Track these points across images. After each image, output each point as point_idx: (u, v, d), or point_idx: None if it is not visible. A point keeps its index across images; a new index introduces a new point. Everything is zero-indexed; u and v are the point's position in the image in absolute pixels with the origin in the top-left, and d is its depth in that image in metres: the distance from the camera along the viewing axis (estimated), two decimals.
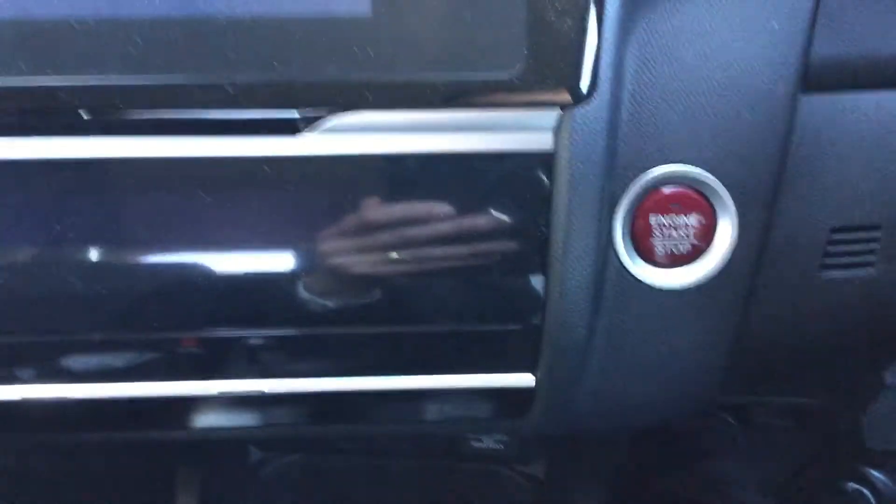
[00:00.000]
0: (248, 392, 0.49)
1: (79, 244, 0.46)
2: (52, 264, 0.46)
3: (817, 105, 0.49)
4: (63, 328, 0.48)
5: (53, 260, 0.46)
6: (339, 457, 0.95)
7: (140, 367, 0.49)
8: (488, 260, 0.46)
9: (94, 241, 0.46)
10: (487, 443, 0.87)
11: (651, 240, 0.48)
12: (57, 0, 0.41)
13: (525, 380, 0.49)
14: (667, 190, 0.47)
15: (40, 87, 0.42)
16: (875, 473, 0.82)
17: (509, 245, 0.46)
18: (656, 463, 0.97)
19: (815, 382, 0.70)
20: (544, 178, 0.45)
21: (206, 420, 0.53)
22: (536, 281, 0.47)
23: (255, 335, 0.49)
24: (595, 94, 0.44)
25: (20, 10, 0.41)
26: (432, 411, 0.52)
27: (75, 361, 0.49)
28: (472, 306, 0.48)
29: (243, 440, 0.85)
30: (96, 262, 0.46)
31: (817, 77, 0.48)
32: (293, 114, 0.44)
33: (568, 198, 0.45)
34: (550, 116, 0.44)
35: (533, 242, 0.46)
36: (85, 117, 0.43)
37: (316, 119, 0.43)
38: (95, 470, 0.86)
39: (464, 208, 0.45)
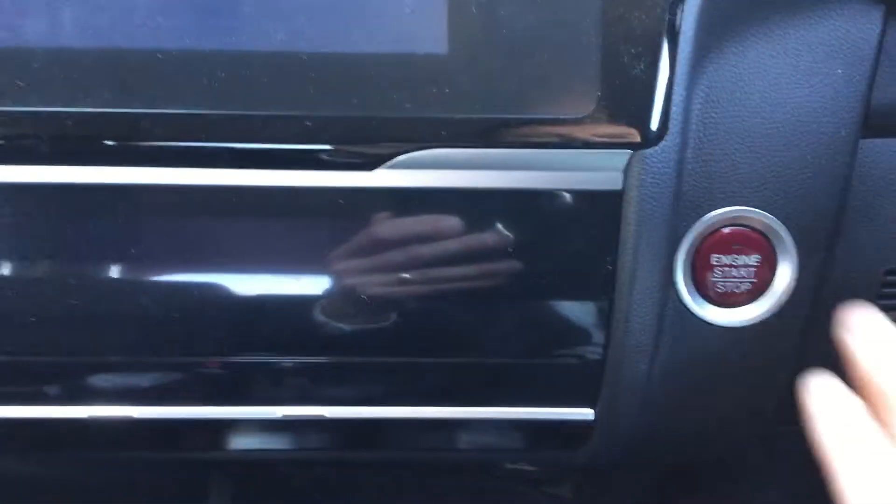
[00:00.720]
0: (307, 416, 0.50)
1: (135, 270, 0.46)
2: (96, 287, 0.47)
3: (876, 149, 0.50)
4: (95, 351, 0.49)
5: (96, 283, 0.47)
6: (365, 471, 0.95)
7: (177, 391, 0.50)
8: (555, 294, 0.47)
9: (152, 268, 0.46)
10: (520, 463, 0.88)
11: (711, 278, 0.49)
12: (142, 32, 0.42)
13: (584, 413, 0.50)
14: (728, 230, 0.48)
15: (126, 114, 0.43)
16: None
17: (576, 280, 0.47)
18: (684, 486, 0.98)
19: None
20: (612, 216, 0.46)
21: (252, 443, 0.54)
22: (601, 317, 0.48)
23: (309, 362, 0.49)
24: (665, 136, 0.45)
25: (108, 41, 0.42)
26: (491, 441, 0.53)
27: (108, 383, 0.50)
28: (537, 340, 0.48)
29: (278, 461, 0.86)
30: (139, 286, 0.47)
31: (878, 122, 0.49)
32: (370, 148, 0.44)
33: (636, 236, 0.46)
34: (621, 156, 0.45)
35: (599, 279, 0.47)
36: (166, 146, 0.44)
37: (392, 154, 0.44)
38: (128, 479, 0.87)
39: (534, 245, 0.46)
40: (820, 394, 0.41)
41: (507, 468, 0.88)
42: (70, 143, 0.44)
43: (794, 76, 0.47)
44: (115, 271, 0.47)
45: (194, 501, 0.88)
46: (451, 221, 0.46)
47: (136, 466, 0.83)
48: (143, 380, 0.50)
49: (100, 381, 0.49)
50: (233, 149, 0.44)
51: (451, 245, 0.46)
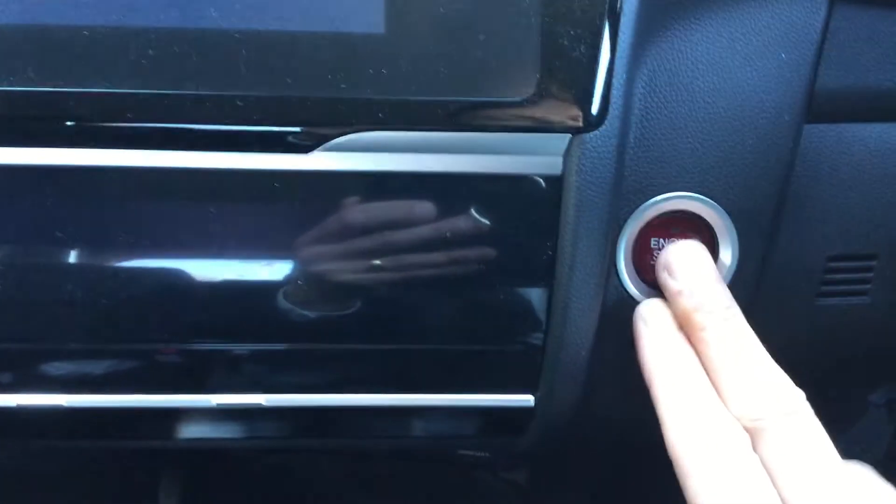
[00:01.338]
0: (244, 405, 0.49)
1: (78, 254, 0.45)
2: (48, 273, 0.45)
3: (820, 135, 0.50)
4: (53, 337, 0.47)
5: (49, 269, 0.45)
6: (319, 459, 0.95)
7: (130, 378, 0.48)
8: (494, 281, 0.47)
9: (95, 252, 0.45)
10: (473, 450, 0.88)
11: (652, 263, 0.48)
12: (69, 8, 0.41)
13: (524, 399, 0.50)
14: (669, 215, 0.48)
15: (47, 92, 0.41)
16: None
17: (514, 266, 0.46)
18: (639, 470, 0.98)
19: None
20: (551, 201, 0.45)
21: (198, 431, 0.53)
22: (540, 302, 0.47)
23: (251, 349, 0.48)
24: (605, 120, 0.44)
25: (32, 16, 0.41)
26: (429, 428, 0.52)
27: (65, 370, 0.48)
28: (475, 326, 0.48)
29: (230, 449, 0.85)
30: (93, 271, 0.45)
31: (821, 107, 0.49)
32: (304, 130, 0.43)
33: (575, 222, 0.45)
34: (560, 140, 0.44)
35: (538, 265, 0.46)
36: (94, 126, 0.42)
37: (328, 137, 0.43)
38: (77, 470, 0.86)
39: (471, 229, 0.45)
40: (647, 316, 0.46)
41: (461, 454, 0.88)
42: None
43: (737, 60, 0.47)
44: (49, 256, 0.45)
45: (143, 492, 0.87)
46: (388, 207, 0.45)
47: (79, 457, 0.82)
48: (84, 367, 0.48)
49: (38, 368, 0.48)
50: (163, 129, 0.43)
51: (388, 231, 0.45)
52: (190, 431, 0.53)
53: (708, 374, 0.44)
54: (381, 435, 0.53)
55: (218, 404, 0.49)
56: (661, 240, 0.48)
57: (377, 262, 0.46)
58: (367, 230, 0.45)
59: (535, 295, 0.47)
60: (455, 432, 0.53)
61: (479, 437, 0.53)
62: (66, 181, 0.44)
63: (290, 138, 0.43)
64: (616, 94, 0.44)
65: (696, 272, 0.46)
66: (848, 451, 0.80)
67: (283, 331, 0.47)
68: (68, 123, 0.42)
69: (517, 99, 0.43)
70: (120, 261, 0.45)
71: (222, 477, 0.92)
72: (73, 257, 0.45)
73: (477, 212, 0.45)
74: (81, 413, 0.48)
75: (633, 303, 0.48)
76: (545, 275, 0.46)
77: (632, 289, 0.48)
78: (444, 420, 0.52)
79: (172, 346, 0.48)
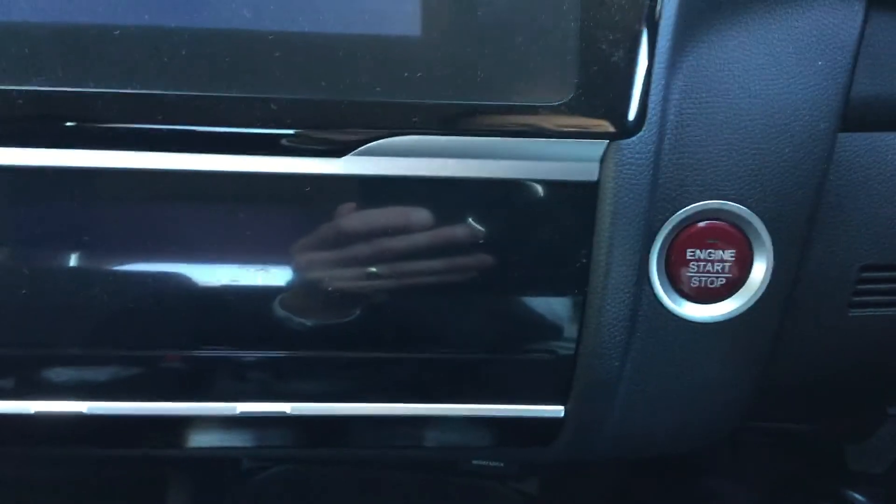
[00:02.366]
0: (268, 413, 0.48)
1: (104, 260, 0.44)
2: (48, 277, 0.45)
3: (854, 143, 0.49)
4: (75, 344, 0.46)
5: (48, 273, 0.44)
6: (331, 468, 0.94)
7: (140, 386, 0.48)
8: (528, 288, 0.46)
9: (122, 258, 0.44)
10: (495, 460, 0.87)
11: (686, 273, 0.48)
12: (102, 7, 0.40)
13: (554, 410, 0.49)
14: (704, 224, 0.47)
15: (80, 93, 0.40)
16: (854, 495, 0.84)
17: (548, 273, 0.46)
18: (648, 480, 0.98)
19: (818, 410, 0.71)
20: (587, 208, 0.44)
21: (215, 440, 0.52)
22: (573, 310, 0.46)
23: (277, 356, 0.47)
24: (643, 127, 0.43)
25: (63, 16, 0.40)
26: (457, 438, 0.52)
27: (86, 377, 0.47)
28: (508, 335, 0.47)
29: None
30: (119, 277, 0.45)
31: (856, 116, 0.48)
32: (338, 134, 0.42)
33: (610, 229, 0.44)
34: (597, 147, 0.44)
35: (572, 272, 0.46)
36: (125, 128, 0.41)
37: (362, 141, 0.42)
38: (85, 476, 0.84)
39: (507, 236, 0.45)
40: None
41: (475, 464, 0.87)
42: (21, 123, 0.41)
43: (773, 68, 0.46)
44: (67, 260, 0.44)
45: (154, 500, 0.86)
46: (422, 213, 0.44)
47: (90, 464, 0.81)
48: (97, 374, 0.47)
49: (52, 375, 0.47)
50: (193, 132, 0.42)
51: (421, 237, 0.44)
52: (207, 440, 0.52)
53: None
54: (406, 445, 0.52)
55: (242, 412, 0.48)
56: (698, 250, 0.47)
57: (411, 267, 0.45)
58: (397, 236, 0.45)
59: (569, 303, 0.46)
60: (482, 442, 0.52)
61: (507, 447, 0.52)
62: (87, 184, 0.43)
63: (323, 142, 0.42)
64: (653, 100, 0.44)
65: None
66: (856, 460, 0.80)
67: (308, 338, 0.46)
68: (100, 125, 0.41)
69: (554, 104, 0.42)
70: (148, 266, 0.44)
71: (230, 485, 0.91)
72: (98, 263, 0.44)
73: (512, 218, 0.45)
74: (102, 420, 0.47)
75: (667, 313, 0.48)
76: (579, 282, 0.46)
77: (665, 299, 0.48)
78: (473, 430, 0.51)
79: (199, 352, 0.47)
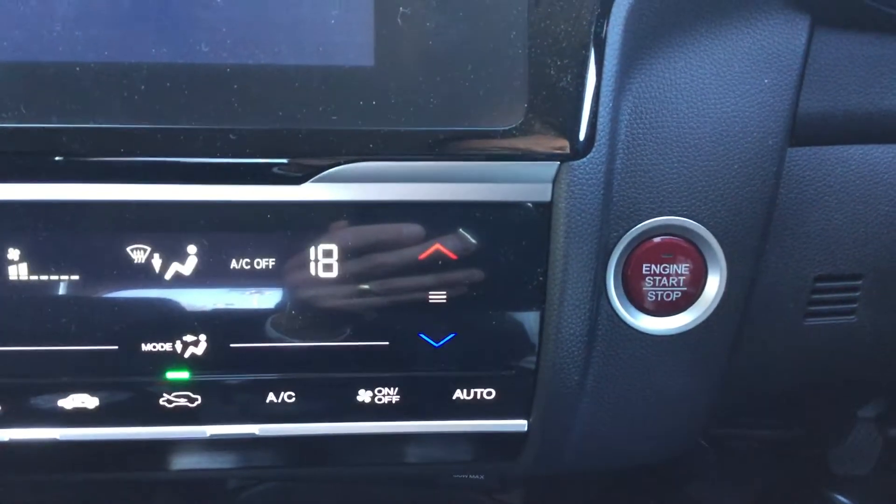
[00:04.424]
0: (237, 435, 0.49)
1: (73, 288, 0.45)
2: (46, 306, 0.46)
3: (803, 158, 0.51)
4: (48, 371, 0.47)
5: (44, 302, 0.45)
6: (315, 485, 0.94)
7: (123, 411, 0.48)
8: (486, 307, 0.47)
9: (91, 285, 0.45)
10: (468, 474, 0.88)
11: (642, 287, 0.49)
12: (62, 45, 0.41)
13: (518, 425, 0.50)
14: (658, 239, 0.48)
15: (42, 129, 0.42)
16: (839, 497, 0.85)
17: (506, 292, 0.47)
18: (633, 488, 0.99)
19: (788, 417, 0.72)
20: (541, 227, 0.46)
21: (192, 462, 0.53)
22: (532, 327, 0.48)
23: (244, 379, 0.48)
24: (593, 147, 0.45)
25: (24, 54, 0.41)
26: (425, 454, 0.53)
27: (59, 404, 0.48)
28: (468, 352, 0.48)
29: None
30: (89, 305, 0.46)
31: (805, 131, 0.50)
32: (296, 162, 0.44)
33: (565, 247, 0.46)
34: (549, 168, 0.45)
35: (529, 290, 0.47)
36: (87, 161, 0.43)
37: (320, 168, 0.44)
38: (72, 497, 0.85)
39: (462, 256, 0.46)
40: None
41: (456, 478, 0.88)
42: None
43: (721, 86, 0.48)
44: (40, 289, 0.45)
45: None
46: (379, 235, 0.45)
47: (69, 489, 0.81)
48: (70, 402, 0.48)
49: (32, 402, 0.48)
50: (155, 163, 0.43)
51: (379, 259, 0.46)
52: (184, 462, 0.53)
53: None
54: (377, 462, 0.54)
55: (212, 435, 0.49)
56: (654, 265, 0.48)
57: (369, 288, 0.46)
58: (357, 259, 0.46)
59: (527, 320, 0.48)
60: (451, 458, 0.53)
61: (475, 462, 0.53)
62: (59, 215, 0.44)
63: (282, 170, 0.44)
64: (602, 121, 0.45)
65: None
66: (838, 464, 0.81)
67: (275, 361, 0.47)
68: (60, 159, 0.42)
69: (506, 128, 0.44)
70: (114, 294, 0.45)
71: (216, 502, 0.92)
72: (67, 291, 0.45)
73: (468, 239, 0.46)
74: (76, 447, 0.48)
75: (625, 326, 0.49)
76: (536, 300, 0.47)
77: (623, 313, 0.49)
78: (441, 446, 0.52)
79: (165, 378, 0.48)
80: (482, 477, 0.86)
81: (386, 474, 0.63)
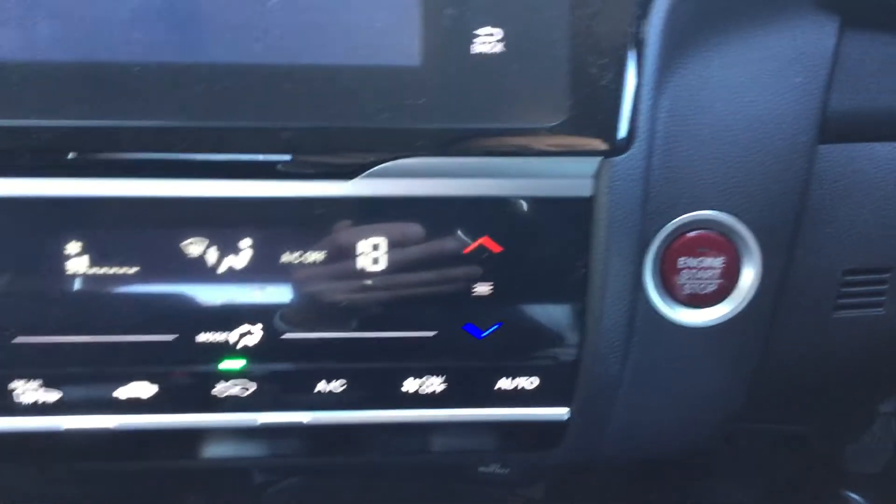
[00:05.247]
0: (286, 423, 0.51)
1: (135, 281, 0.47)
2: (73, 298, 0.47)
3: (833, 154, 0.52)
4: (105, 360, 0.49)
5: (71, 295, 0.47)
6: (340, 479, 0.96)
7: (154, 400, 0.50)
8: (532, 300, 0.48)
9: (154, 278, 0.47)
10: (492, 467, 0.89)
11: (679, 281, 0.50)
12: (123, 46, 0.43)
13: (559, 413, 0.51)
14: (693, 233, 0.50)
15: (105, 128, 0.43)
16: (853, 495, 0.86)
17: (550, 284, 0.48)
18: (650, 484, 1.00)
19: (808, 412, 0.73)
20: (584, 222, 0.47)
21: (228, 451, 0.54)
22: (574, 318, 0.49)
23: (294, 368, 0.50)
24: (633, 144, 0.46)
25: (84, 55, 0.43)
26: (464, 443, 0.54)
27: (115, 392, 0.50)
28: (512, 343, 0.49)
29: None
30: (151, 297, 0.47)
31: (834, 128, 0.51)
32: (347, 158, 0.45)
33: (606, 240, 0.47)
34: (590, 163, 0.46)
35: (571, 283, 0.48)
36: (147, 159, 0.44)
37: (369, 164, 0.45)
38: (103, 495, 0.86)
39: (509, 250, 0.47)
40: None
41: (480, 471, 0.89)
42: (46, 157, 0.44)
43: (754, 85, 0.49)
44: (88, 284, 0.47)
45: None
46: (427, 229, 0.47)
47: (109, 482, 0.83)
48: (130, 390, 0.50)
49: (89, 391, 0.50)
50: (210, 161, 0.44)
51: (427, 252, 0.47)
52: (228, 451, 0.54)
53: None
54: (415, 451, 0.55)
55: (262, 423, 0.50)
56: (689, 259, 0.50)
57: (416, 280, 0.47)
58: (404, 252, 0.47)
59: (569, 311, 0.49)
60: (492, 446, 0.54)
61: (516, 450, 0.54)
62: (121, 210, 0.46)
63: (332, 166, 0.45)
64: (642, 118, 0.47)
65: None
66: (853, 460, 0.82)
67: (325, 351, 0.49)
68: (120, 156, 0.44)
69: (549, 125, 0.45)
70: (172, 286, 0.47)
71: (243, 499, 0.93)
72: (127, 283, 0.47)
73: (513, 233, 0.47)
74: (127, 435, 0.50)
75: (662, 318, 0.50)
76: (578, 292, 0.48)
77: (659, 305, 0.50)
78: (480, 434, 0.53)
79: (220, 368, 0.49)
80: (507, 471, 0.87)
81: (421, 462, 0.64)
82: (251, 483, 0.93)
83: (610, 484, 0.99)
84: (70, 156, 0.44)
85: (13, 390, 0.49)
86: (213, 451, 0.54)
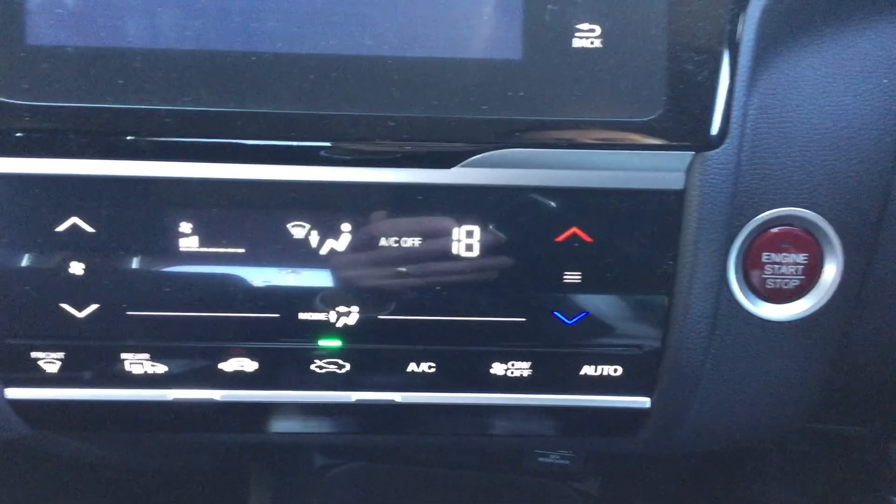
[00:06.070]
0: (380, 401, 0.53)
1: (240, 259, 0.49)
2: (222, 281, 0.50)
3: None
4: (214, 337, 0.51)
5: (218, 279, 0.49)
6: (399, 465, 0.98)
7: (281, 376, 0.52)
8: (618, 288, 0.50)
9: (256, 257, 0.49)
10: (554, 458, 0.90)
11: (761, 275, 0.51)
12: (240, 36, 0.45)
13: (641, 402, 0.53)
14: (777, 229, 0.51)
15: (220, 113, 0.45)
16: None
17: (637, 275, 0.50)
18: (701, 484, 1.01)
19: (874, 411, 0.74)
20: (674, 214, 0.49)
21: (301, 426, 0.57)
22: (660, 309, 0.50)
23: (391, 349, 0.52)
24: (726, 139, 0.48)
25: (205, 43, 0.45)
26: (544, 427, 0.56)
27: (222, 368, 0.52)
28: (598, 331, 0.51)
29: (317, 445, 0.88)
30: (251, 275, 0.50)
31: None
32: (448, 147, 0.47)
33: (696, 234, 0.48)
34: (684, 157, 0.48)
35: (659, 274, 0.50)
36: (258, 145, 0.46)
37: (469, 153, 0.47)
38: (170, 472, 0.89)
39: (601, 240, 0.49)
40: None
41: (539, 461, 0.91)
42: (168, 140, 0.46)
43: (842, 85, 0.50)
44: (197, 262, 0.49)
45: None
46: (520, 217, 0.48)
47: (182, 457, 0.85)
48: (233, 364, 0.52)
49: (194, 365, 0.52)
50: (319, 147, 0.46)
51: (520, 239, 0.49)
52: (284, 426, 0.56)
53: None
54: (495, 433, 0.57)
55: (357, 400, 0.52)
56: (773, 254, 0.51)
57: (509, 267, 0.49)
58: (499, 239, 0.49)
59: (656, 302, 0.50)
60: (573, 432, 0.56)
61: (596, 436, 0.56)
62: (230, 193, 0.48)
63: (435, 155, 0.47)
64: (734, 115, 0.48)
65: None
66: None
67: (419, 333, 0.51)
68: (233, 141, 0.46)
69: (645, 119, 0.46)
70: (276, 266, 0.49)
71: (306, 479, 0.95)
72: (234, 262, 0.49)
73: (604, 223, 0.49)
74: (234, 407, 0.52)
75: (744, 312, 0.51)
76: (666, 283, 0.50)
77: (742, 299, 0.51)
78: (561, 419, 0.55)
79: (319, 345, 0.51)
80: (568, 462, 0.89)
81: (506, 446, 0.65)
82: (313, 465, 0.96)
83: (663, 483, 1.00)
84: (184, 139, 0.46)
85: (124, 361, 0.51)
86: (307, 426, 0.56)
